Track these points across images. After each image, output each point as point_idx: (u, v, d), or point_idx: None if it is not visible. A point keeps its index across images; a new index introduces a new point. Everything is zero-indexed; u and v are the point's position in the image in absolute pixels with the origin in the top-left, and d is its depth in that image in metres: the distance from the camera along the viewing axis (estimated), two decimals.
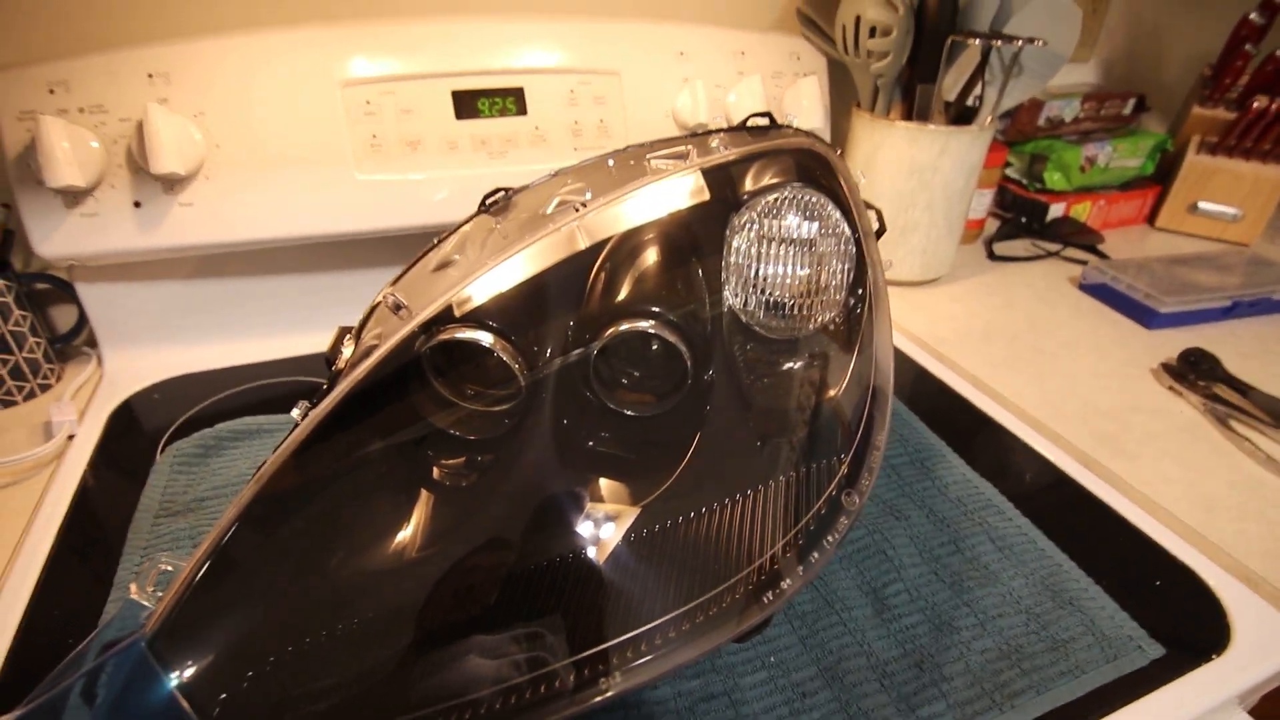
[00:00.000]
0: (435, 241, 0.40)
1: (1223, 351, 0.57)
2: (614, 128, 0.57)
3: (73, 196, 0.46)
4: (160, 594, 0.28)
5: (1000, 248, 0.78)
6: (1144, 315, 0.63)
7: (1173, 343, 0.60)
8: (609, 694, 0.27)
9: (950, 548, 0.40)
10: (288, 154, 0.49)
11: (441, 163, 0.52)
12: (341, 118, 0.49)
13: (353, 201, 0.51)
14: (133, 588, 0.27)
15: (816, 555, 0.30)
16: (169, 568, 0.28)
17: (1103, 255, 0.76)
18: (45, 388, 0.52)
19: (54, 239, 0.46)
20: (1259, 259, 0.72)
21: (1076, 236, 0.78)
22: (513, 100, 0.53)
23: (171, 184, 0.47)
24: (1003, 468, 0.47)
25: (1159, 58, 0.93)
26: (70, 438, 0.47)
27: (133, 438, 0.47)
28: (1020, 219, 0.82)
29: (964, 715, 0.31)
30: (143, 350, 0.55)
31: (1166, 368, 0.56)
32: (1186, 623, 0.37)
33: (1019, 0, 0.59)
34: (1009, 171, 0.85)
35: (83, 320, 0.55)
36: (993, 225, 0.83)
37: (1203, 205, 0.81)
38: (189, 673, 0.25)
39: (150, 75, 0.46)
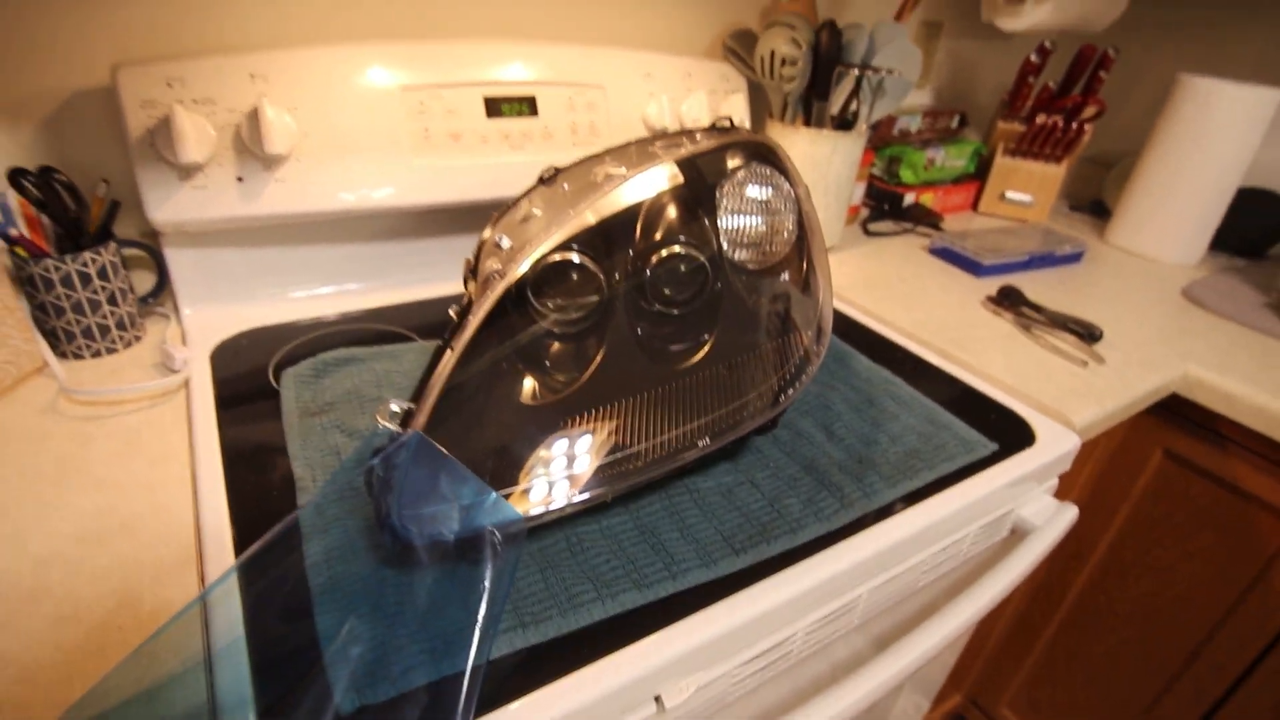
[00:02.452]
0: (511, 203, 0.55)
1: (1025, 287, 0.84)
2: (601, 128, 0.73)
3: (187, 171, 0.56)
4: (395, 424, 0.41)
5: (872, 227, 1.02)
6: (973, 268, 0.89)
7: (992, 285, 0.85)
8: (696, 452, 0.44)
9: (867, 404, 0.60)
10: (359, 142, 0.62)
11: (476, 151, 0.67)
12: (400, 114, 0.63)
13: (408, 181, 0.64)
14: (378, 418, 0.41)
15: (800, 382, 0.49)
16: (397, 408, 0.42)
17: (942, 230, 1.02)
18: (138, 339, 0.61)
19: (167, 208, 0.56)
20: (1047, 230, 1.01)
21: (924, 218, 1.04)
22: (527, 105, 0.69)
23: (271, 163, 0.58)
24: (892, 361, 0.68)
25: (973, 86, 1.23)
26: (188, 371, 0.56)
27: (239, 370, 0.58)
28: (884, 206, 1.07)
29: (889, 482, 0.51)
30: (217, 308, 0.64)
31: (989, 299, 0.81)
32: (1010, 434, 0.59)
33: (881, 41, 0.83)
34: (874, 170, 1.10)
35: (161, 284, 0.64)
36: (865, 212, 1.08)
37: (1009, 194, 1.10)
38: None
39: (252, 75, 0.57)
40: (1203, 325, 0.82)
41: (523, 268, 0.46)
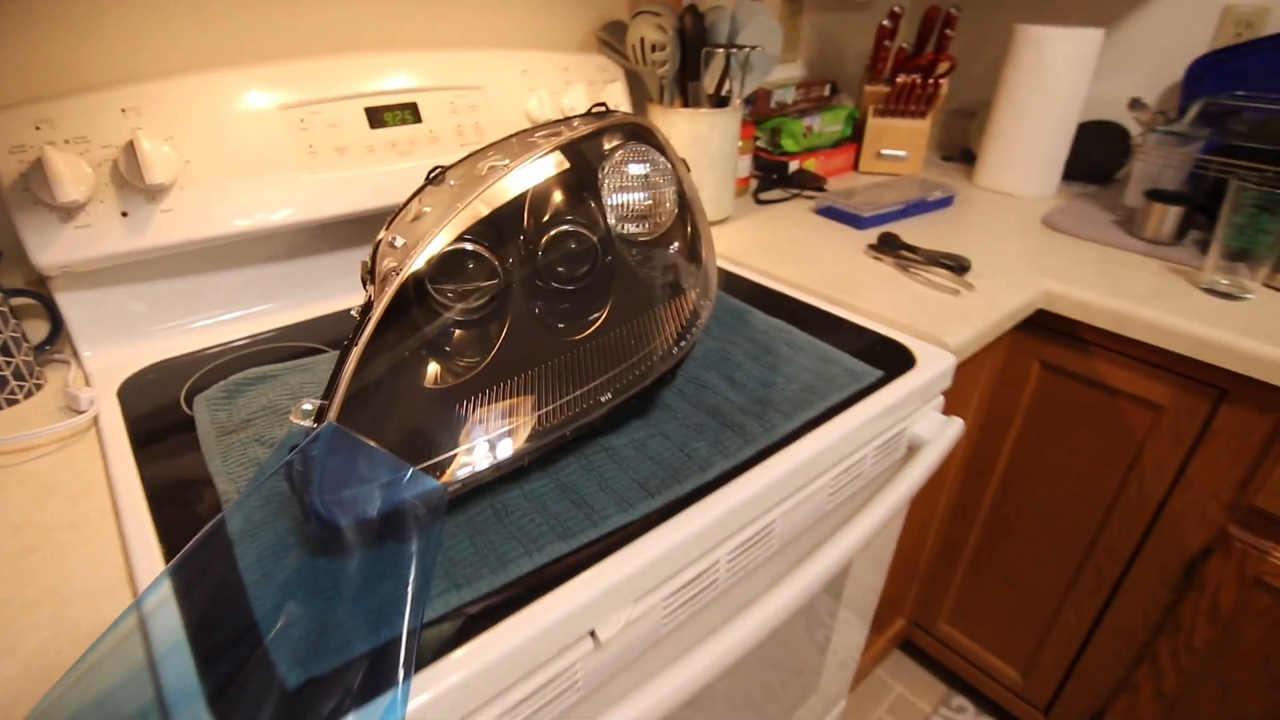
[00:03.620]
0: (402, 205, 0.58)
1: (902, 233, 0.91)
2: (486, 127, 0.76)
3: (67, 212, 0.56)
4: (309, 420, 0.43)
5: (762, 196, 1.08)
6: (856, 221, 0.95)
7: (874, 235, 0.92)
8: (601, 409, 0.48)
9: (764, 351, 0.65)
10: (244, 163, 0.62)
11: (363, 162, 0.68)
12: (282, 133, 0.64)
13: (298, 198, 0.65)
14: (291, 417, 0.43)
15: (692, 334, 0.53)
16: (309, 405, 0.43)
17: (826, 191, 1.09)
18: (39, 387, 0.60)
19: (51, 250, 0.56)
20: (921, 181, 1.09)
21: (809, 182, 1.10)
22: (410, 112, 0.71)
23: (154, 194, 0.59)
24: (786, 313, 0.73)
25: (839, 55, 1.31)
26: (95, 409, 0.56)
27: (149, 403, 0.58)
28: (771, 175, 1.13)
29: (788, 416, 0.56)
30: (118, 347, 0.64)
31: (871, 247, 0.88)
32: (894, 363, 0.65)
33: (743, 20, 0.88)
34: (759, 143, 1.16)
35: (56, 328, 0.63)
36: (754, 183, 1.14)
37: (884, 151, 1.18)
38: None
39: (123, 110, 0.57)
40: (1060, 246, 0.91)
41: (419, 261, 0.49)
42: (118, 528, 0.45)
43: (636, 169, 0.60)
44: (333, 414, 0.42)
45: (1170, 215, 0.89)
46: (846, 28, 1.29)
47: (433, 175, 0.59)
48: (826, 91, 1.21)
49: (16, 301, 0.61)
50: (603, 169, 0.58)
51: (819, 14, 1.23)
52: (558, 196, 0.56)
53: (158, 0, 0.62)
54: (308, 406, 0.44)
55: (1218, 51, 1.04)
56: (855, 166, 1.22)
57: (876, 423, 0.59)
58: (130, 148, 0.56)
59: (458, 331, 0.51)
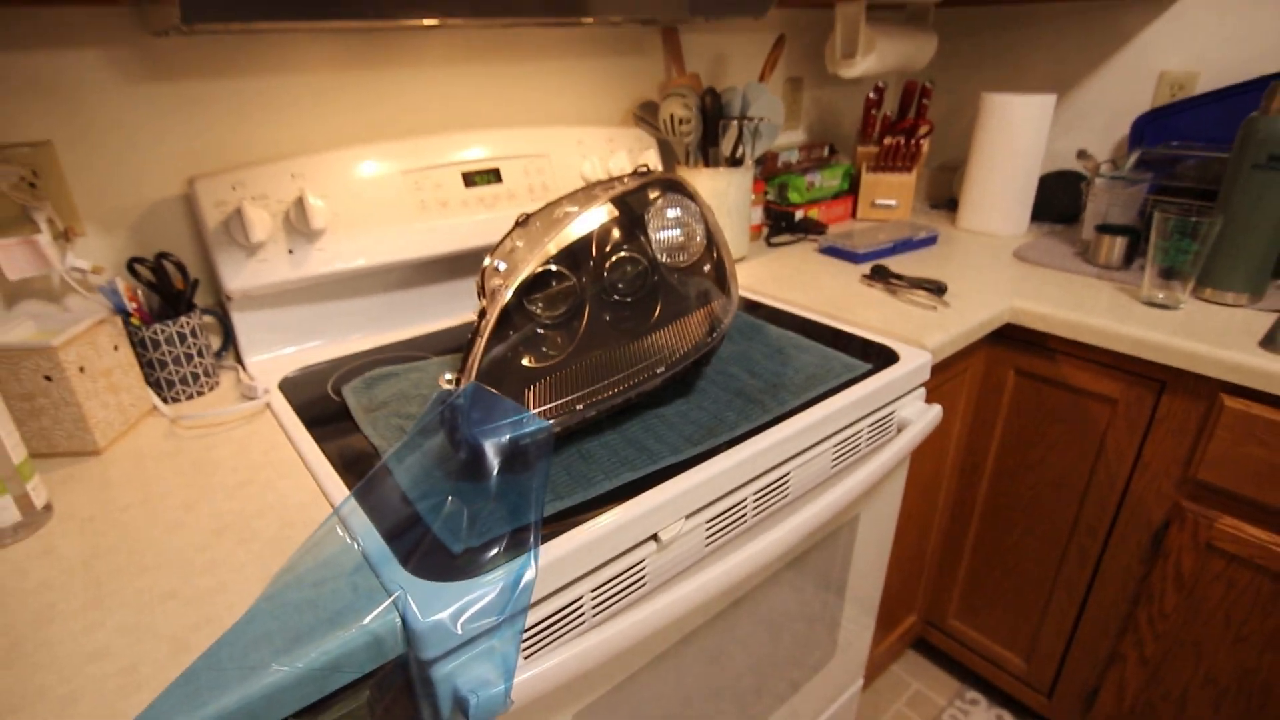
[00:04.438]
0: (500, 241, 0.76)
1: (891, 266, 1.08)
2: (551, 185, 0.96)
3: (253, 250, 0.75)
4: (452, 386, 0.60)
5: (774, 239, 1.27)
6: (853, 257, 1.13)
7: (868, 266, 1.10)
8: (657, 379, 0.65)
9: (777, 353, 0.82)
10: (375, 214, 0.82)
11: (460, 213, 0.88)
12: (403, 192, 0.84)
13: (411, 241, 0.84)
14: (440, 381, 0.60)
15: (721, 326, 0.71)
16: (449, 376, 0.61)
17: (827, 234, 1.27)
18: (215, 385, 0.78)
19: (240, 278, 0.75)
20: (910, 224, 1.27)
21: (813, 228, 1.29)
22: (493, 175, 0.91)
23: (313, 237, 0.78)
24: (794, 326, 0.90)
25: (835, 121, 1.52)
26: (267, 395, 0.74)
27: (306, 391, 0.75)
28: (780, 223, 1.32)
29: (796, 395, 0.72)
30: (273, 355, 0.82)
31: (864, 276, 1.05)
32: (880, 358, 0.81)
33: (752, 98, 1.09)
34: (768, 195, 1.35)
35: (228, 341, 0.81)
36: (766, 229, 1.32)
37: (877, 201, 1.37)
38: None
39: (292, 175, 0.77)
40: (1028, 273, 1.07)
41: (518, 280, 0.67)
42: (305, 468, 0.62)
43: (674, 212, 0.79)
44: (471, 379, 0.59)
45: (1118, 244, 1.06)
46: (840, 100, 1.51)
47: (521, 220, 0.78)
48: (825, 152, 1.41)
49: (204, 318, 0.79)
50: (648, 213, 0.77)
51: (816, 89, 1.45)
52: (616, 233, 0.74)
53: (311, 95, 0.83)
54: (449, 376, 0.62)
55: (1156, 110, 1.23)
56: (853, 214, 1.41)
57: (868, 401, 0.75)
58: (299, 202, 0.76)
59: (548, 330, 0.68)
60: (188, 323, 0.73)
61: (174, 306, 0.73)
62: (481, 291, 0.71)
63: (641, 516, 0.56)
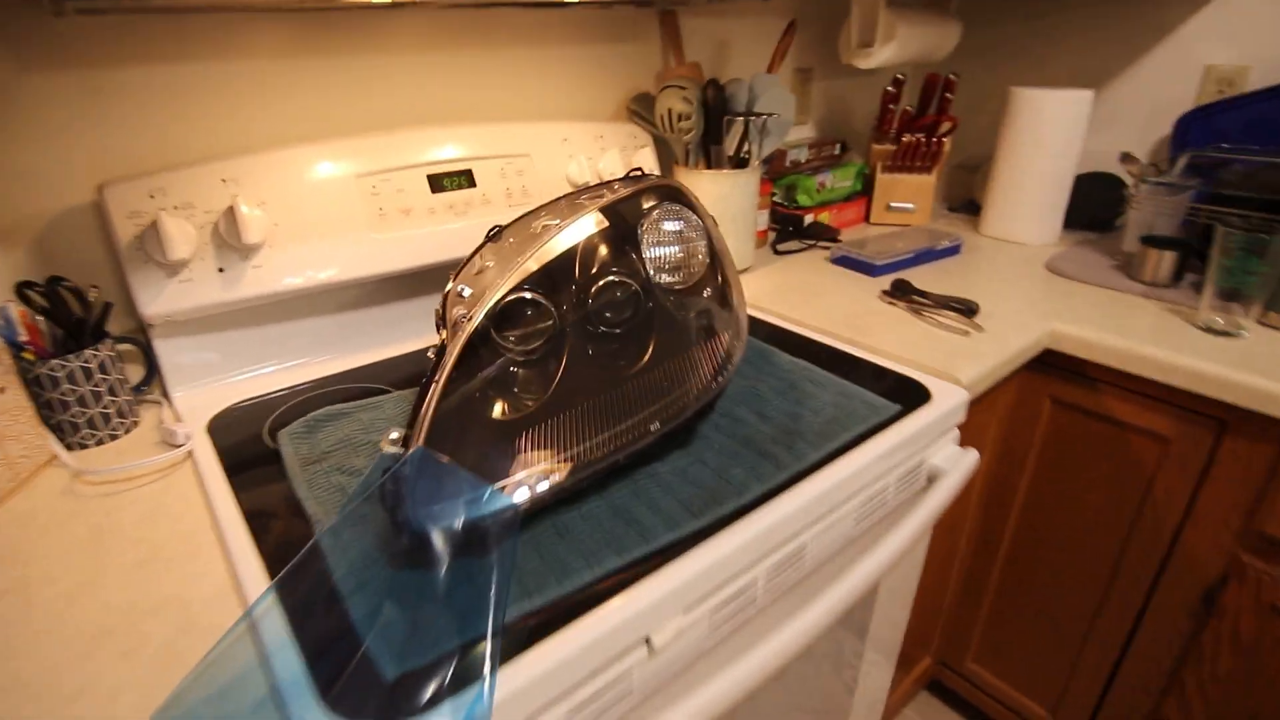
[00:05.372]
0: (466, 260, 0.65)
1: (913, 279, 0.97)
2: (532, 190, 0.84)
3: (174, 269, 0.64)
4: (397, 447, 0.49)
5: (781, 247, 1.15)
6: (869, 269, 1.02)
7: (886, 281, 0.99)
8: (650, 437, 0.53)
9: (790, 388, 0.71)
10: (323, 225, 0.70)
11: (425, 223, 0.76)
12: (357, 198, 0.72)
13: (369, 255, 0.73)
14: (384, 441, 0.49)
15: (727, 371, 0.59)
16: (396, 435, 0.49)
17: (840, 242, 1.16)
18: (136, 424, 0.66)
19: (158, 302, 0.64)
20: (929, 230, 1.16)
21: (823, 233, 1.18)
22: (465, 178, 0.79)
23: (248, 252, 0.66)
24: (808, 353, 0.79)
25: (847, 117, 1.40)
26: (189, 443, 0.63)
27: (237, 436, 0.64)
28: (788, 228, 1.21)
29: (815, 445, 0.61)
30: (203, 388, 0.71)
31: (885, 293, 0.94)
32: (909, 396, 0.70)
33: (760, 90, 0.97)
34: (776, 198, 1.24)
35: (151, 372, 0.70)
36: (773, 235, 1.21)
37: (893, 204, 1.26)
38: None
39: (224, 180, 0.66)
40: (1064, 290, 0.96)
41: (485, 309, 0.56)
42: (220, 544, 0.51)
43: (671, 225, 0.67)
44: (419, 441, 0.48)
45: (1166, 259, 0.95)
46: (853, 92, 1.39)
47: (492, 233, 0.66)
48: (837, 150, 1.29)
49: (119, 348, 0.68)
50: (641, 226, 0.65)
51: (827, 81, 1.33)
52: (603, 250, 0.63)
53: (252, 87, 0.71)
54: (395, 435, 0.50)
55: (1202, 108, 1.12)
56: (866, 218, 1.30)
57: (897, 453, 0.64)
58: (230, 212, 0.64)
59: (521, 370, 0.57)
60: (94, 356, 0.61)
61: (77, 337, 0.62)
62: (442, 322, 0.59)
63: (631, 619, 0.45)
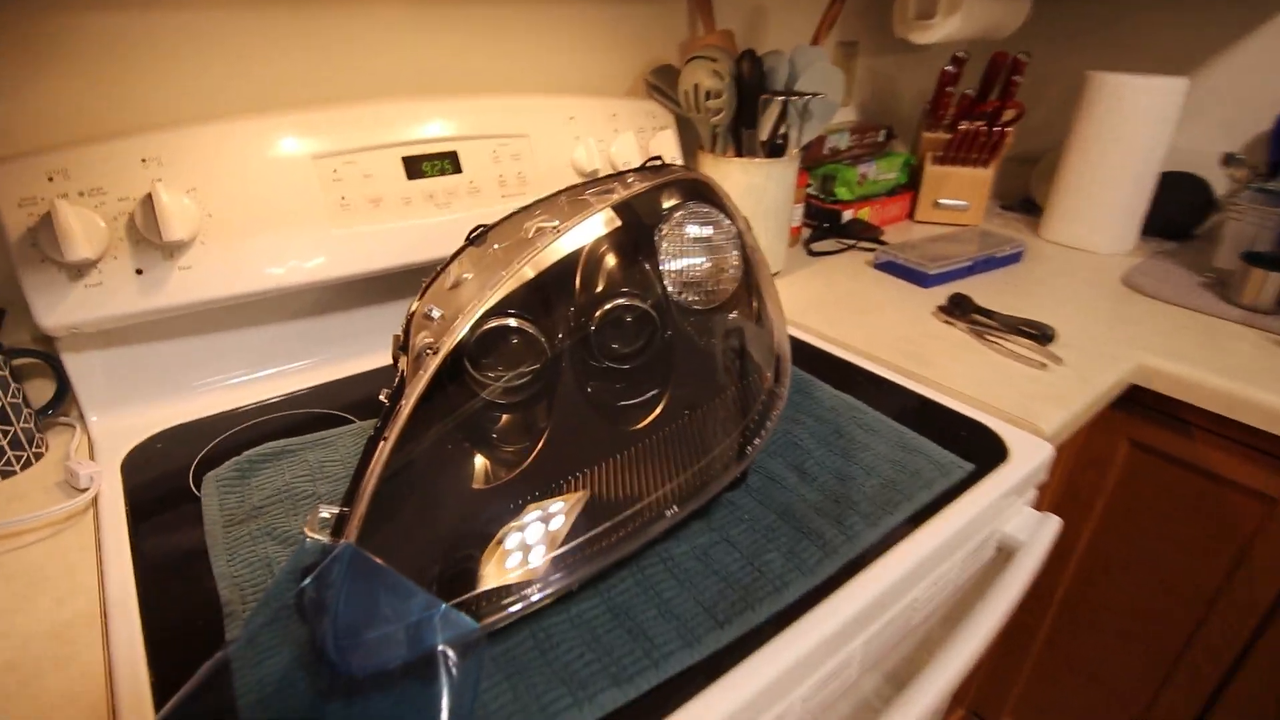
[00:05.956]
0: (439, 269, 0.52)
1: (971, 292, 0.83)
2: (530, 178, 0.71)
3: (77, 270, 0.51)
4: (325, 534, 0.37)
5: (815, 247, 1.02)
6: (919, 278, 0.88)
7: (940, 293, 0.85)
8: (664, 523, 0.41)
9: (835, 434, 0.58)
10: (271, 217, 0.57)
11: (398, 215, 0.63)
12: (314, 184, 0.59)
13: (328, 253, 0.60)
14: (306, 529, 0.36)
15: (767, 427, 0.47)
16: (327, 514, 0.37)
17: (883, 243, 1.02)
18: (39, 456, 0.55)
19: (59, 310, 0.51)
20: (984, 233, 1.02)
21: (864, 233, 1.04)
22: (449, 162, 0.66)
23: (172, 250, 0.54)
24: (854, 385, 0.66)
25: (895, 99, 1.25)
26: (95, 487, 0.51)
27: (155, 478, 0.52)
28: (824, 224, 1.07)
29: (870, 520, 0.48)
30: (128, 411, 0.59)
31: (940, 309, 0.81)
32: (982, 451, 0.57)
33: (802, 66, 0.83)
34: (810, 190, 1.10)
35: (61, 392, 0.58)
36: (806, 232, 1.07)
37: (942, 201, 1.11)
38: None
39: (144, 160, 0.53)
40: (1147, 311, 0.83)
41: (457, 339, 0.43)
42: (104, 645, 0.39)
43: (697, 230, 0.55)
44: (353, 527, 0.36)
45: (1272, 282, 0.80)
46: (903, 72, 1.24)
47: (473, 235, 0.53)
48: (881, 137, 1.15)
49: (19, 362, 0.56)
50: (659, 231, 0.53)
51: (874, 57, 1.18)
52: (611, 262, 0.50)
53: (186, 43, 0.58)
54: (325, 515, 0.38)
55: None
56: (910, 215, 1.15)
57: (970, 526, 0.51)
58: (148, 201, 0.51)
59: (500, 418, 0.45)
60: None
61: None
62: (403, 349, 0.47)
63: None
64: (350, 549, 0.34)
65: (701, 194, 0.56)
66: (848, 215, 1.07)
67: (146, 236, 0.52)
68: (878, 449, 0.56)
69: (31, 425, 0.54)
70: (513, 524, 0.40)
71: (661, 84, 0.85)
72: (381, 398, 0.43)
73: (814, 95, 0.81)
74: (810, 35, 1.04)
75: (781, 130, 0.87)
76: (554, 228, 0.50)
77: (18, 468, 0.53)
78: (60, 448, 0.56)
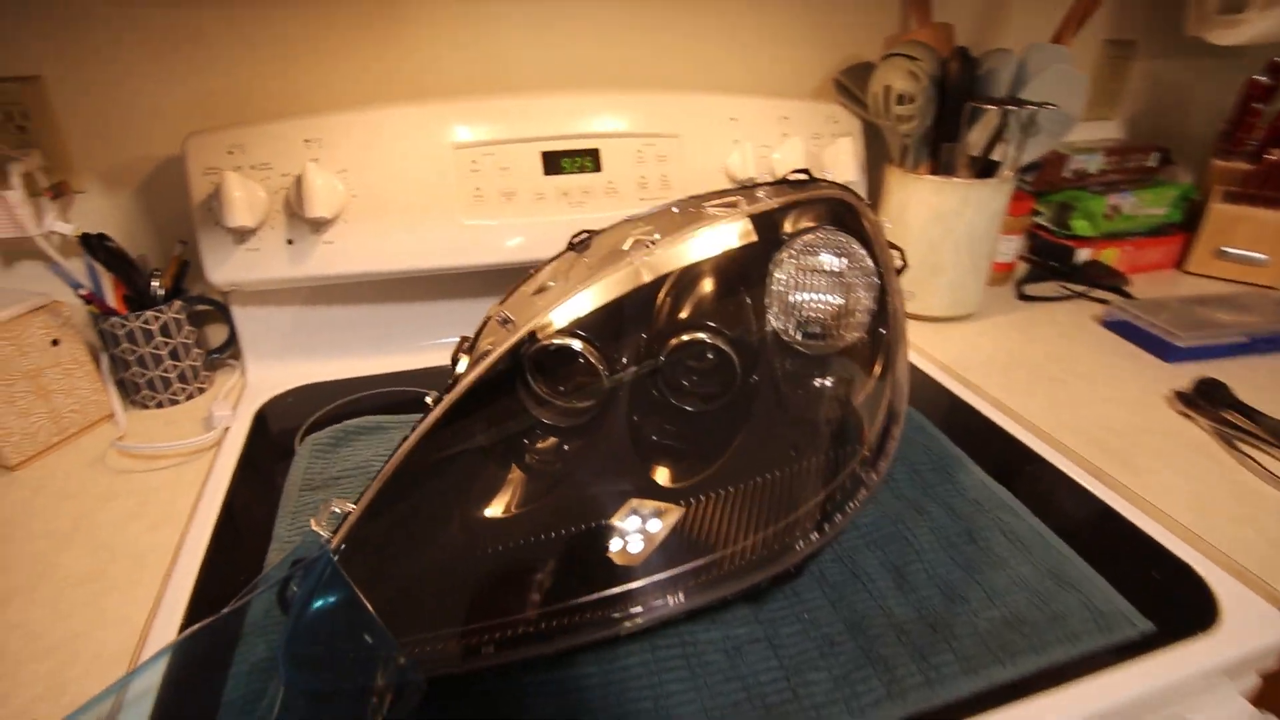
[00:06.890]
0: (531, 272, 0.50)
1: (1237, 382, 0.62)
2: (675, 182, 0.66)
3: (241, 235, 0.57)
4: (329, 531, 0.36)
5: (1030, 289, 0.84)
6: (1163, 349, 0.68)
7: (1188, 374, 0.65)
8: (689, 605, 0.35)
9: (965, 538, 0.46)
10: (409, 203, 0.60)
11: (531, 211, 0.62)
12: (452, 174, 0.60)
13: (459, 242, 0.61)
14: (313, 522, 0.36)
15: (840, 517, 0.37)
16: (338, 510, 0.37)
17: (1128, 295, 0.81)
18: (201, 390, 0.63)
19: (224, 269, 0.58)
20: (1278, 302, 0.76)
21: (1103, 279, 0.83)
22: (590, 159, 0.63)
23: (318, 225, 0.58)
24: (1018, 477, 0.52)
25: (1179, 115, 0.99)
26: (225, 430, 0.57)
27: (275, 431, 0.57)
28: (1049, 263, 0.88)
29: (969, 666, 0.37)
30: (279, 363, 0.65)
31: (1180, 395, 0.61)
32: (1178, 606, 0.41)
33: (1034, 69, 0.67)
34: (1039, 219, 0.91)
35: (231, 338, 0.66)
36: (1024, 269, 0.89)
37: (1229, 250, 0.86)
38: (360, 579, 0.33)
39: (306, 140, 0.57)
40: None
41: (504, 352, 0.40)
42: (164, 580, 0.43)
43: (826, 262, 0.46)
44: (340, 535, 0.35)
45: None
46: (1195, 81, 0.97)
47: (576, 240, 0.50)
48: (1153, 161, 0.91)
49: (200, 308, 0.64)
50: (778, 257, 0.45)
51: (1155, 60, 0.94)
52: (707, 287, 0.44)
53: (353, 32, 0.62)
54: (336, 510, 0.37)
55: None
56: (1178, 264, 0.91)
57: (1127, 712, 0.37)
58: (299, 180, 0.55)
59: (537, 442, 0.41)
60: (156, 318, 0.58)
61: (142, 296, 0.58)
62: (470, 349, 0.45)
63: None
64: (328, 559, 0.33)
65: (842, 219, 0.47)
66: (1084, 255, 0.87)
67: (296, 211, 0.57)
68: (1018, 570, 0.43)
69: (199, 364, 0.62)
70: (513, 563, 0.37)
71: (852, 84, 0.74)
72: (428, 400, 0.42)
73: (1042, 106, 0.66)
74: (1052, 33, 0.85)
75: (998, 148, 0.72)
76: (652, 242, 0.45)
77: (182, 398, 0.61)
78: (223, 385, 0.64)
